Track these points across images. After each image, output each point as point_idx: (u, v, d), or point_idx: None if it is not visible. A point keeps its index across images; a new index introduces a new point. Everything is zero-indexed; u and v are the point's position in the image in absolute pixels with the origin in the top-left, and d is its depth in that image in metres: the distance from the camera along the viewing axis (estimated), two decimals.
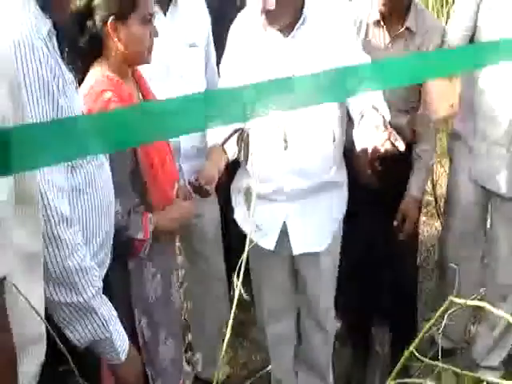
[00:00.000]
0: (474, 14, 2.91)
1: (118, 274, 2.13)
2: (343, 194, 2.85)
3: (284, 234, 2.73)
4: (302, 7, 2.54)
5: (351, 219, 3.03)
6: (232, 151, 2.57)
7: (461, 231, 3.21)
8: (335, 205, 2.81)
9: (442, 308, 1.06)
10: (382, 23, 2.93)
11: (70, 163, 1.70)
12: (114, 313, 1.80)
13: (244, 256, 1.17)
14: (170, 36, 2.73)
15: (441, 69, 1.15)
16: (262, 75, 2.44)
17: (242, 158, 2.48)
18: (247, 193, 2.10)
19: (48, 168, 1.56)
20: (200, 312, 3.18)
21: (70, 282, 1.65)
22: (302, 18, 2.53)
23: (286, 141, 2.42)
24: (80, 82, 2.13)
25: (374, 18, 2.93)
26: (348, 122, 2.71)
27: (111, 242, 1.95)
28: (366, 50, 2.77)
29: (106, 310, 1.75)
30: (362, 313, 3.42)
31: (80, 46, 2.17)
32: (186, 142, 2.79)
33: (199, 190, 2.41)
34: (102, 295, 1.76)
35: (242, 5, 2.99)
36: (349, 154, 2.87)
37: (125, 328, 1.86)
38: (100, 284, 1.75)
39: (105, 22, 2.12)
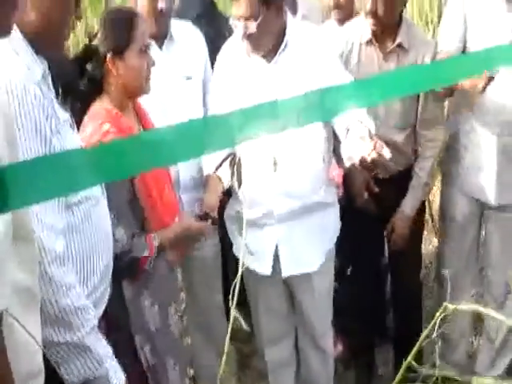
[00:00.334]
0: (462, 35, 2.95)
1: (117, 303, 2.14)
2: (334, 213, 2.87)
3: (278, 257, 2.76)
4: (284, 33, 2.59)
5: (352, 239, 3.07)
6: (227, 178, 2.61)
7: (456, 244, 3.22)
8: (326, 225, 2.83)
9: (438, 314, 1.07)
10: (373, 41, 2.97)
11: (64, 202, 1.71)
12: (110, 350, 1.79)
13: (238, 280, 1.19)
14: (166, 69, 2.77)
15: (426, 81, 1.18)
16: (247, 101, 2.48)
17: (234, 183, 2.52)
18: (238, 218, 2.13)
19: (41, 206, 1.58)
20: (200, 341, 3.17)
21: (65, 322, 1.65)
22: (283, 44, 2.59)
23: (275, 163, 2.47)
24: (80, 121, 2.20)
25: (366, 38, 2.97)
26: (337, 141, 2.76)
27: (110, 276, 1.95)
28: (359, 71, 2.87)
29: (101, 347, 1.74)
30: (365, 334, 3.41)
31: (81, 88, 2.27)
32: (185, 172, 2.81)
33: (208, 218, 2.46)
34: (98, 333, 1.75)
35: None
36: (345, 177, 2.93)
37: (126, 353, 1.86)
38: (95, 322, 1.75)
39: (104, 60, 2.23)
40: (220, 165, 2.58)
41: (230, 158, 2.58)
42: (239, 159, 2.38)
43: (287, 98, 1.06)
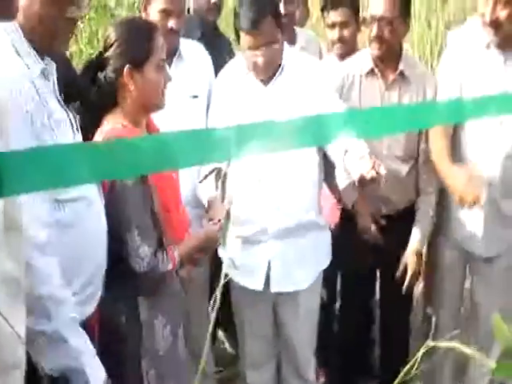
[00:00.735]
0: (458, 86, 2.95)
1: (130, 326, 2.15)
2: (327, 237, 2.94)
3: (270, 273, 2.80)
4: (281, 58, 2.71)
5: (345, 274, 3.09)
6: (211, 191, 2.63)
7: (441, 292, 3.21)
8: (319, 246, 2.89)
9: (420, 351, 1.08)
10: (376, 71, 3.00)
11: (53, 197, 1.74)
12: (91, 348, 1.79)
13: (218, 292, 1.17)
14: (174, 87, 2.79)
15: (420, 120, 1.20)
16: (242, 121, 2.58)
17: (218, 197, 2.53)
18: (224, 230, 2.12)
19: (28, 197, 1.59)
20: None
21: (42, 310, 1.66)
22: (280, 68, 2.70)
23: (260, 180, 2.58)
24: (92, 134, 2.16)
25: (368, 68, 3.01)
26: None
27: (101, 279, 1.97)
28: (361, 102, 2.93)
29: (80, 342, 1.75)
30: (348, 369, 3.41)
31: (92, 99, 2.18)
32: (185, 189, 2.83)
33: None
34: (79, 329, 1.76)
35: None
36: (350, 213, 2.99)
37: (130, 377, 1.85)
38: (77, 316, 1.76)
39: (120, 71, 2.15)
40: (205, 178, 2.59)
41: (215, 172, 2.59)
42: (225, 174, 2.39)
43: (284, 120, 1.07)
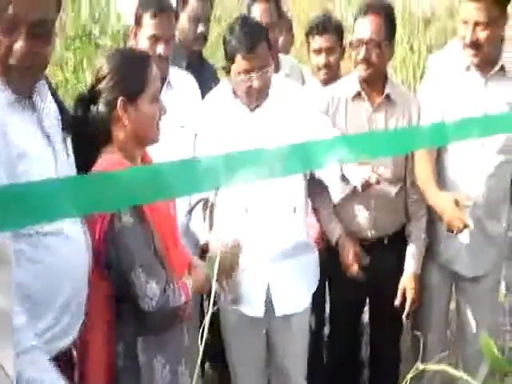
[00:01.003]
0: (440, 110, 3.00)
1: (129, 368, 2.10)
2: (316, 258, 2.96)
3: (269, 298, 2.81)
4: None
5: (334, 299, 3.10)
6: (199, 222, 2.65)
7: (426, 312, 3.22)
8: (309, 268, 2.92)
9: (410, 374, 1.08)
10: (362, 94, 3.02)
11: (23, 232, 1.69)
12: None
13: (206, 321, 1.17)
14: (164, 117, 2.80)
15: (405, 144, 1.21)
16: (229, 146, 2.61)
17: (206, 227, 2.56)
18: (210, 259, 2.13)
19: None
20: None
21: None
22: (266, 100, 2.76)
23: (247, 209, 2.57)
24: (86, 167, 2.07)
25: (354, 92, 3.03)
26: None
27: (79, 309, 1.92)
28: (348, 125, 2.95)
29: (36, 372, 1.64)
30: None
31: (86, 133, 2.10)
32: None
33: None
34: (46, 362, 1.67)
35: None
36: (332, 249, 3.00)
37: None
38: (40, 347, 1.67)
39: (113, 105, 2.08)
40: (193, 208, 2.61)
41: (202, 203, 2.61)
42: (212, 204, 2.41)
43: (272, 148, 1.08)
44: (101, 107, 2.10)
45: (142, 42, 2.88)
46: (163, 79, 2.90)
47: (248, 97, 2.72)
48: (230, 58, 2.68)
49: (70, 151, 1.94)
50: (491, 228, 3.05)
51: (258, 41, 2.65)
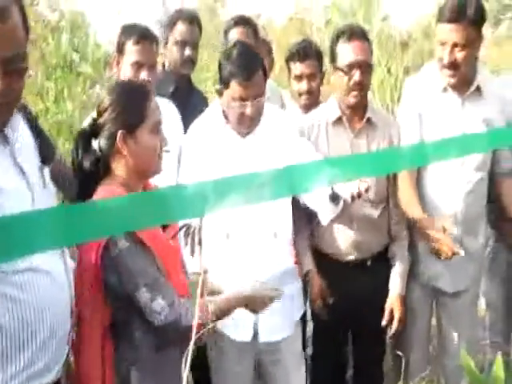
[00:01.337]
0: (418, 130, 3.05)
1: None
2: (300, 286, 2.97)
3: (256, 324, 2.79)
4: None
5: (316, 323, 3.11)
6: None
7: (410, 331, 3.23)
8: (295, 295, 2.91)
9: None
10: (344, 119, 3.03)
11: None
12: None
13: (191, 345, 1.17)
14: None
15: (387, 166, 1.23)
16: (218, 173, 2.57)
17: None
18: (192, 285, 2.13)
19: None
20: None
21: None
22: (258, 127, 2.76)
23: (228, 235, 2.60)
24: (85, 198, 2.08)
25: (335, 117, 3.04)
26: None
27: (61, 345, 1.88)
28: (330, 151, 2.96)
29: None
30: None
31: (86, 167, 2.11)
32: None
33: None
34: None
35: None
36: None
37: None
38: None
39: (113, 137, 2.09)
40: (176, 234, 2.61)
41: (185, 228, 2.60)
42: (193, 229, 2.40)
43: (259, 172, 1.09)
44: (102, 140, 2.10)
45: (124, 70, 2.90)
46: None
47: (240, 124, 2.73)
48: (225, 83, 2.68)
49: (48, 182, 1.91)
50: (469, 244, 3.09)
51: (256, 69, 2.66)
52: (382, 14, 11.78)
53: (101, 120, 2.11)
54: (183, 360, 1.45)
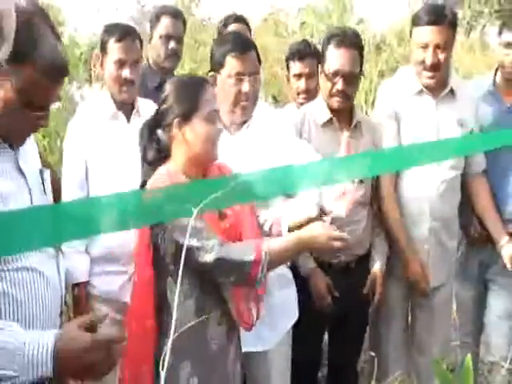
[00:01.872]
0: (395, 133, 3.12)
1: None
2: (294, 291, 2.90)
3: None
4: None
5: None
6: None
7: (386, 327, 3.28)
8: (287, 302, 2.86)
9: None
10: (334, 120, 3.04)
11: None
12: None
13: (168, 345, 1.17)
14: (133, 143, 2.78)
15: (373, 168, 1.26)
16: None
17: None
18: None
19: None
20: None
21: None
22: (248, 122, 2.74)
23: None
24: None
25: (325, 119, 3.05)
26: None
27: None
28: (322, 153, 2.89)
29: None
30: None
31: (149, 154, 2.30)
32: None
33: None
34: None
35: None
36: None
37: None
38: None
39: (171, 126, 2.25)
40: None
41: None
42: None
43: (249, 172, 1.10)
44: (162, 129, 2.29)
45: (108, 68, 2.93)
46: (132, 104, 2.98)
47: (235, 106, 2.68)
48: (220, 63, 2.67)
49: (48, 189, 1.93)
50: (446, 241, 3.19)
51: (250, 46, 2.71)
52: (357, 18, 11.88)
53: (161, 109, 2.29)
54: (161, 360, 1.45)
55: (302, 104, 3.49)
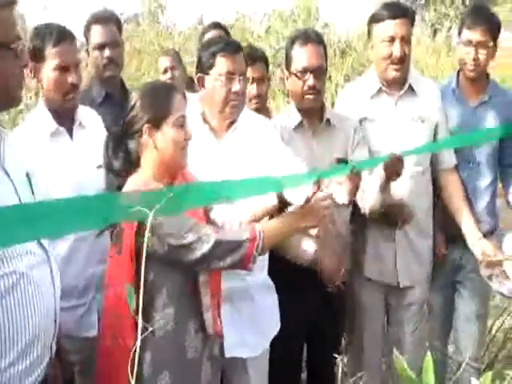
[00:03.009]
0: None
1: None
2: (276, 299, 2.87)
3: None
4: None
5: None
6: None
7: (363, 328, 3.28)
8: (269, 309, 2.83)
9: None
10: (305, 122, 3.04)
11: None
12: None
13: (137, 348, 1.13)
14: (78, 159, 2.70)
15: None
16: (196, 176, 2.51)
17: None
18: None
19: None
20: None
21: None
22: (234, 124, 2.72)
23: None
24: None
25: (296, 122, 3.04)
26: None
27: (50, 342, 1.90)
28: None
29: None
30: None
31: (116, 163, 2.27)
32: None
33: None
34: None
35: None
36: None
37: None
38: None
39: (140, 133, 2.24)
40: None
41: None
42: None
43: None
44: (130, 136, 2.27)
45: (46, 75, 2.66)
46: (73, 117, 2.76)
47: (225, 105, 2.67)
48: (210, 64, 2.65)
49: (37, 192, 1.93)
50: (416, 239, 3.19)
51: (239, 47, 2.72)
52: (322, 23, 11.95)
53: (128, 118, 2.26)
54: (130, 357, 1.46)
55: (255, 109, 3.46)
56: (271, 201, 2.34)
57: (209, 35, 3.96)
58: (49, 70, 2.64)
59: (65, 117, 2.72)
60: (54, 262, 1.94)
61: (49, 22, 2.82)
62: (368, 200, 2.93)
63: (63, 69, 2.64)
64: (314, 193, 2.21)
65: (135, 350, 1.49)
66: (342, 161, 2.63)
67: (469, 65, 3.20)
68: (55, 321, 1.93)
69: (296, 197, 2.27)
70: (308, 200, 2.22)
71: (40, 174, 2.49)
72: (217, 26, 4.21)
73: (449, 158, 3.22)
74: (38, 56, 2.64)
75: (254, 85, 3.46)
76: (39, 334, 1.85)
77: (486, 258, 3.07)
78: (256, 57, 3.49)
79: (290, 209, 2.33)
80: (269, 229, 2.25)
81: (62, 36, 2.66)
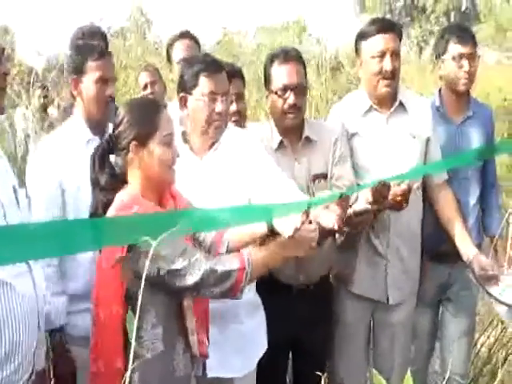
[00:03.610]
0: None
1: None
2: (264, 318, 2.85)
3: None
4: None
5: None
6: None
7: (348, 345, 3.25)
8: (257, 329, 2.81)
9: None
10: (286, 142, 3.01)
11: None
12: None
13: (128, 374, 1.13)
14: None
15: None
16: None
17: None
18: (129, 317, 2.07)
19: None
20: None
21: None
22: (216, 144, 2.70)
23: None
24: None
25: (277, 142, 3.01)
26: None
27: (31, 356, 1.89)
28: None
29: None
30: None
31: (104, 182, 2.23)
32: None
33: None
34: None
35: None
36: None
37: None
38: None
39: (127, 150, 2.21)
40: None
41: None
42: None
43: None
44: (117, 153, 2.24)
45: (87, 88, 2.81)
46: (103, 129, 2.85)
47: (208, 126, 2.65)
48: (193, 84, 2.64)
49: (24, 206, 1.95)
50: (407, 256, 3.17)
51: (221, 66, 2.69)
52: (314, 39, 12.01)
53: (115, 133, 2.24)
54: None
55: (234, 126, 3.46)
56: (260, 229, 2.31)
57: (177, 44, 3.85)
58: (89, 82, 2.79)
59: (98, 128, 2.84)
60: (38, 273, 1.95)
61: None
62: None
63: (102, 81, 2.79)
64: (303, 222, 2.18)
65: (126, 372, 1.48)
66: (321, 176, 2.61)
67: (462, 78, 3.22)
68: (38, 329, 1.93)
69: (285, 227, 2.22)
70: (297, 230, 2.19)
71: (74, 177, 2.69)
72: (184, 35, 3.97)
73: (438, 174, 3.21)
74: (78, 70, 2.81)
75: (233, 103, 3.47)
76: (20, 343, 1.85)
77: (484, 273, 3.07)
78: (233, 73, 3.48)
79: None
80: (257, 258, 2.22)
81: (103, 51, 2.84)
